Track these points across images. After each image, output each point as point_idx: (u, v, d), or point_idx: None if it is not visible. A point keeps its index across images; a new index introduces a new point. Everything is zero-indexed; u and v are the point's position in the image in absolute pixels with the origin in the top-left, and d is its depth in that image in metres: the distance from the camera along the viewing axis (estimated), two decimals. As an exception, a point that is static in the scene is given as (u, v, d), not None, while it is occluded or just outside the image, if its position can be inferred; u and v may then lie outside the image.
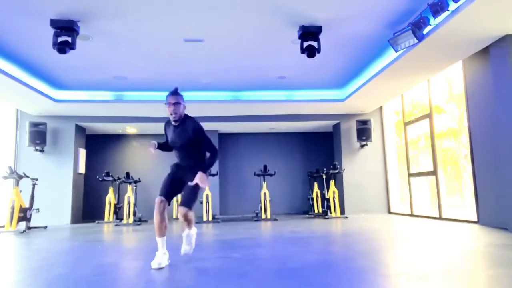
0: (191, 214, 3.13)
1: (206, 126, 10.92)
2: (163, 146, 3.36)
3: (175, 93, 3.18)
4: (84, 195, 9.30)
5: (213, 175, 8.50)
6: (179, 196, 3.51)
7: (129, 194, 8.05)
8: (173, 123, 3.20)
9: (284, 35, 5.30)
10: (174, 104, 3.12)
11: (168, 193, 3.16)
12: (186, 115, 3.22)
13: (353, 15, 4.77)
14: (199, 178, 3.01)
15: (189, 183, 3.08)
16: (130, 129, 9.81)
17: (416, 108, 8.00)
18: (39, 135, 8.26)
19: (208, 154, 3.20)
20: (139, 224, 7.79)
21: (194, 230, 3.33)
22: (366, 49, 5.94)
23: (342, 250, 3.98)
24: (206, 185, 3.05)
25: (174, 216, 8.98)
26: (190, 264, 3.23)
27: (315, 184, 9.21)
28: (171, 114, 3.13)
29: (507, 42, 4.93)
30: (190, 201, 3.08)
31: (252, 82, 7.50)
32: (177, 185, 3.21)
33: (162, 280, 2.65)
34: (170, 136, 3.24)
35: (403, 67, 6.07)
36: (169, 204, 3.18)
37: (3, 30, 4.99)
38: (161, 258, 3.05)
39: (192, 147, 3.16)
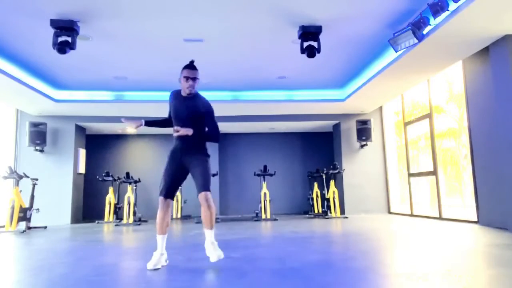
0: (210, 197, 2.99)
1: (206, 126, 10.71)
2: (157, 123, 3.22)
3: (193, 67, 3.08)
4: (84, 195, 9.30)
5: (214, 175, 8.48)
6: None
7: (129, 194, 8.05)
8: (184, 95, 3.12)
9: (284, 35, 5.30)
10: (192, 79, 3.05)
11: (171, 191, 3.08)
12: (196, 92, 3.18)
13: (353, 15, 4.77)
14: (183, 129, 2.92)
15: (193, 166, 3.01)
16: (130, 129, 9.82)
17: (416, 108, 8.00)
18: (39, 135, 8.25)
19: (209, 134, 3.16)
20: (139, 224, 7.79)
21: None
22: (366, 49, 5.94)
23: (342, 250, 3.98)
24: (188, 133, 2.94)
25: (174, 216, 8.97)
26: (190, 264, 3.23)
27: (315, 184, 9.20)
28: (188, 88, 3.06)
29: (507, 42, 4.93)
30: (207, 182, 2.98)
31: (252, 82, 7.50)
32: (179, 176, 3.10)
33: (162, 280, 2.65)
34: (177, 106, 3.11)
35: (403, 67, 6.07)
36: (172, 199, 3.11)
37: (3, 30, 4.99)
38: (158, 259, 3.00)
39: (197, 123, 3.07)
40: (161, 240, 3.06)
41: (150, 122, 3.22)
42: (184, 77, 3.06)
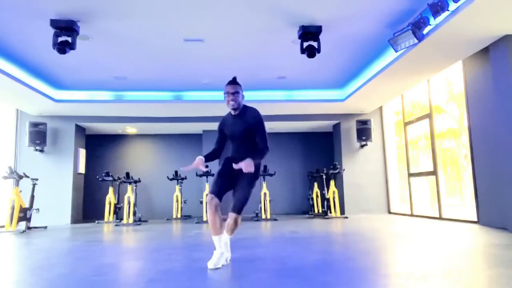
0: (240, 219, 3.03)
1: (206, 126, 10.94)
2: (211, 155, 3.17)
3: (233, 82, 3.19)
4: (84, 195, 9.30)
5: (213, 175, 8.48)
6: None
7: (129, 194, 8.05)
8: (232, 112, 3.18)
9: (284, 35, 5.30)
10: (233, 93, 3.13)
11: (220, 190, 3.03)
12: (245, 106, 3.23)
13: (353, 15, 4.78)
14: (244, 163, 2.81)
15: (241, 183, 3.01)
16: (130, 129, 9.81)
17: (416, 108, 8.00)
18: (39, 135, 8.26)
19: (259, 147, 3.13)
20: (139, 224, 7.79)
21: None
22: (366, 49, 5.94)
23: (342, 250, 3.98)
24: (250, 170, 2.84)
25: (174, 216, 8.96)
26: (190, 264, 3.23)
27: (315, 184, 9.20)
28: (230, 102, 3.12)
29: (507, 42, 4.93)
30: (242, 205, 2.97)
31: (252, 82, 7.50)
32: (228, 180, 3.07)
33: (162, 280, 2.65)
34: (230, 128, 3.18)
35: (403, 67, 6.07)
36: (220, 201, 3.01)
37: (3, 30, 4.99)
38: (218, 258, 2.97)
39: (249, 136, 3.14)
40: (217, 240, 3.01)
41: (207, 158, 3.13)
42: (225, 93, 3.14)
